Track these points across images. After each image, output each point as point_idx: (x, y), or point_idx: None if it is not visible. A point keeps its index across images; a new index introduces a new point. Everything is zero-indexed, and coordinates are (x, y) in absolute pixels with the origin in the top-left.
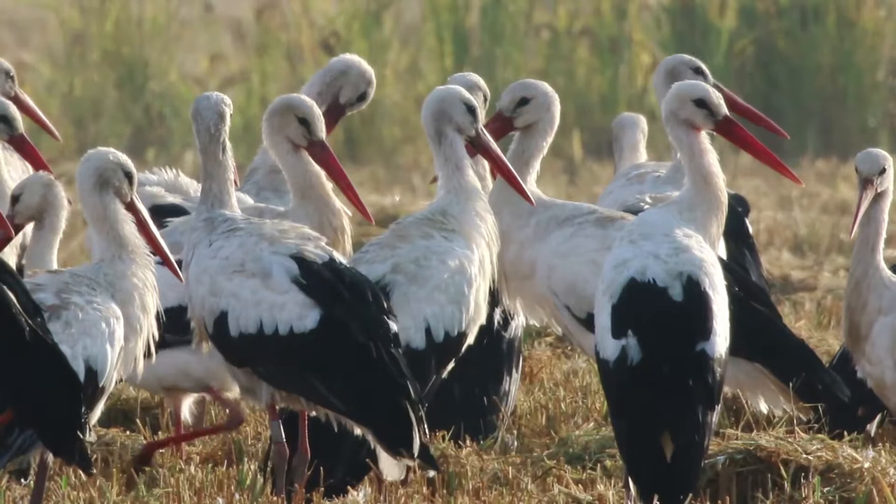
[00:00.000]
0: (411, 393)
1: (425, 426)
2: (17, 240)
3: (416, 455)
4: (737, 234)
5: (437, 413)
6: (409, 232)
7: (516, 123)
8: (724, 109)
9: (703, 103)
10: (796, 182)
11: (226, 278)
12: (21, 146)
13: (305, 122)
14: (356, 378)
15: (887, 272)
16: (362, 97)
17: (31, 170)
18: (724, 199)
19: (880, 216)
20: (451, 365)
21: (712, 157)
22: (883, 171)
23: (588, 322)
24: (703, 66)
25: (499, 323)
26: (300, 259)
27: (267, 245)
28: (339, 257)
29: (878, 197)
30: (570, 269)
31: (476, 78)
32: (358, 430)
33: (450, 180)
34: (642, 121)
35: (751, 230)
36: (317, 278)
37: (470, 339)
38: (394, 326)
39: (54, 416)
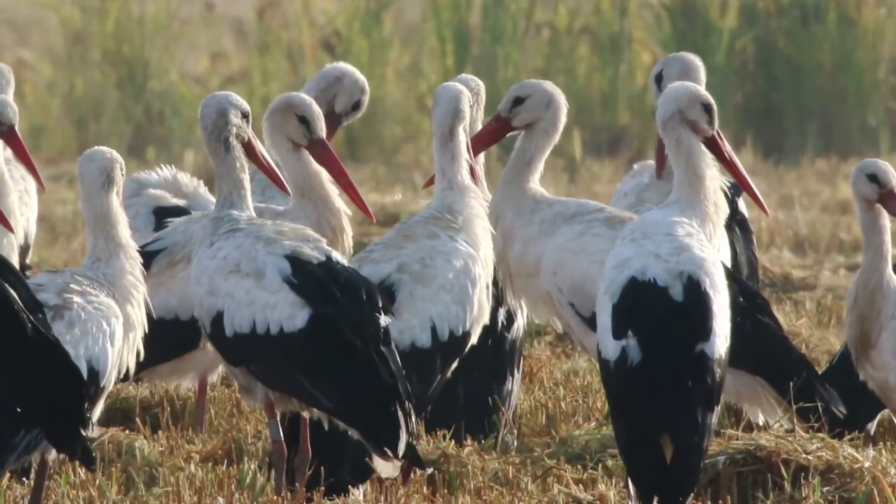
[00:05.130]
0: (400, 392)
1: (414, 426)
2: (19, 240)
3: (400, 455)
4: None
5: (441, 413)
6: (414, 231)
7: (514, 123)
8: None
9: (709, 109)
10: (764, 213)
11: (223, 278)
12: (9, 139)
13: (305, 121)
14: (344, 377)
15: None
16: (357, 106)
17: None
18: (719, 196)
19: (886, 224)
20: (454, 364)
21: (706, 159)
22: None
23: (592, 321)
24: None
25: (502, 324)
26: (294, 259)
27: (262, 245)
28: (337, 257)
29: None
30: (578, 267)
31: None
32: (348, 430)
33: (455, 177)
34: None
35: (746, 212)
36: (309, 278)
37: (473, 339)
38: (385, 323)
39: (57, 412)
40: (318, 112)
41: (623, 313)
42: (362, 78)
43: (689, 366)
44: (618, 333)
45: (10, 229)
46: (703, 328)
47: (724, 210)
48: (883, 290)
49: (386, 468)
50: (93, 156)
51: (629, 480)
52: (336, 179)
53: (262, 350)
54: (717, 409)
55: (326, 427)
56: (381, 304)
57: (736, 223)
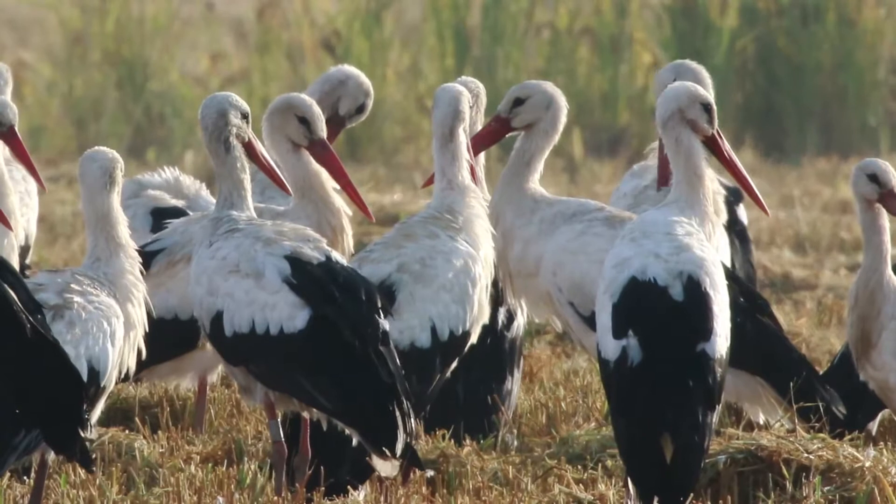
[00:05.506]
0: (399, 393)
1: (413, 426)
2: (19, 240)
3: (398, 455)
4: (728, 222)
5: (441, 413)
6: (414, 231)
7: (514, 124)
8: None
9: (709, 108)
10: (764, 212)
11: (222, 278)
12: (9, 140)
13: (305, 122)
14: (343, 377)
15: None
16: (361, 109)
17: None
18: (717, 200)
19: (886, 224)
20: (454, 364)
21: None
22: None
23: (592, 321)
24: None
25: (502, 323)
26: (294, 259)
27: (262, 246)
28: (337, 257)
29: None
30: (578, 267)
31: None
32: (346, 430)
33: (455, 177)
34: None
35: (745, 220)
36: (309, 278)
37: (473, 339)
38: (385, 325)
39: (56, 413)
40: (318, 113)
41: (623, 313)
42: (367, 81)
43: (689, 365)
44: (618, 333)
45: (11, 229)
46: (704, 328)
47: (722, 213)
48: (883, 290)
49: (385, 468)
50: (94, 156)
51: (629, 480)
52: (336, 180)
53: (262, 350)
54: (718, 408)
55: (325, 427)
56: (380, 305)
57: (735, 234)
